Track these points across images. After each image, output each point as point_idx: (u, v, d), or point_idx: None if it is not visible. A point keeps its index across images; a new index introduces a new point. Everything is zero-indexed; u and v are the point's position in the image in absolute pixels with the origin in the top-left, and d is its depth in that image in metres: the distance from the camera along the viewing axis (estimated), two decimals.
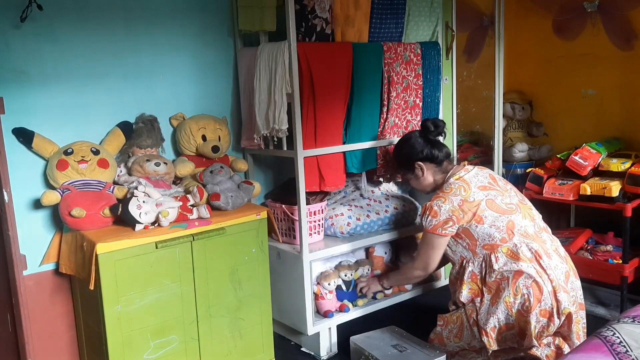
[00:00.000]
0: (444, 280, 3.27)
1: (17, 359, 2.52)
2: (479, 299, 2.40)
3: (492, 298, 2.34)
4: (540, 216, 2.53)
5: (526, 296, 2.27)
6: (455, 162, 2.69)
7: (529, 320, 2.25)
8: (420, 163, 2.61)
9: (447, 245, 2.49)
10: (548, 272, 2.29)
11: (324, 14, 2.68)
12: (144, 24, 2.64)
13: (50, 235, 2.47)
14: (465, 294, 2.43)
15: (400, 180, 3.20)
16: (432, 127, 2.62)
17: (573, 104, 3.65)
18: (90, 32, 2.50)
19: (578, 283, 2.41)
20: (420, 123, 3.03)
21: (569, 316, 2.28)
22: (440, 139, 2.71)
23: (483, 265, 2.40)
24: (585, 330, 2.37)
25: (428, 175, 2.63)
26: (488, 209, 2.38)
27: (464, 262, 2.47)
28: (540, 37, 3.74)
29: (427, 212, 2.45)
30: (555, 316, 2.27)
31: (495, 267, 2.34)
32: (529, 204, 2.54)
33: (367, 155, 2.90)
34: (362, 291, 2.88)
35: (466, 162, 2.65)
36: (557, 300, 2.27)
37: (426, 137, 2.63)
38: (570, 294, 2.32)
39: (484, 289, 2.39)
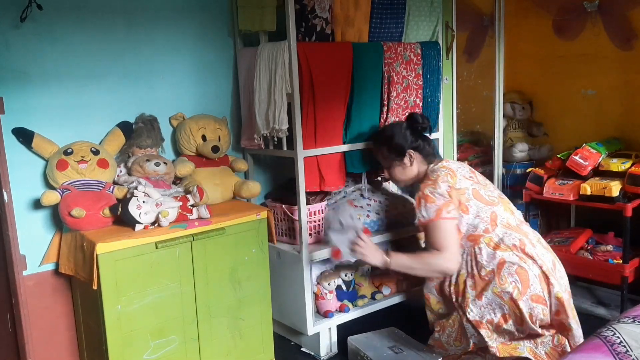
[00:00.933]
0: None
1: (17, 359, 2.52)
2: (460, 297, 2.36)
3: (478, 293, 2.30)
4: (520, 212, 2.52)
5: (514, 283, 2.23)
6: (437, 156, 2.67)
7: (520, 306, 2.22)
8: (412, 151, 2.57)
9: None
10: (535, 258, 2.27)
11: (324, 14, 2.68)
12: (144, 24, 2.64)
13: (50, 235, 2.47)
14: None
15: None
16: (420, 119, 2.63)
17: (573, 104, 3.66)
18: (90, 32, 2.50)
19: (564, 271, 2.39)
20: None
21: (561, 301, 2.25)
22: (426, 134, 2.68)
23: (468, 259, 2.36)
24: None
25: (415, 165, 2.59)
26: (473, 198, 2.36)
27: None
28: (540, 37, 3.74)
29: (424, 201, 2.36)
30: (547, 299, 2.24)
31: (480, 259, 2.30)
32: (507, 199, 2.53)
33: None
34: (357, 255, 2.46)
35: (447, 158, 2.68)
36: (548, 284, 2.25)
37: (414, 129, 2.62)
38: (560, 281, 2.30)
39: (467, 284, 2.33)
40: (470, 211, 2.35)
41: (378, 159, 2.78)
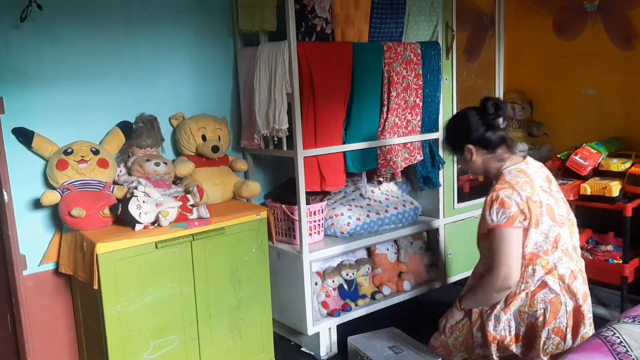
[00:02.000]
0: (444, 280, 3.27)
1: (17, 359, 2.51)
2: (488, 307, 2.24)
3: (506, 305, 2.19)
4: (578, 235, 2.31)
5: (542, 310, 2.11)
6: (511, 149, 2.34)
7: (539, 334, 2.12)
8: (470, 146, 2.27)
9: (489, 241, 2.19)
10: (577, 296, 2.15)
11: (324, 14, 2.67)
12: (144, 24, 2.64)
13: (50, 235, 2.47)
14: None
15: (399, 180, 3.20)
16: (491, 108, 2.25)
17: (573, 104, 3.65)
18: (90, 32, 2.50)
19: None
20: (420, 122, 3.01)
21: (585, 338, 2.13)
22: (500, 121, 2.35)
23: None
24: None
25: (477, 159, 2.30)
26: (546, 214, 2.14)
27: None
28: (540, 37, 3.74)
29: (496, 204, 2.12)
30: (569, 337, 2.14)
31: (529, 279, 2.14)
32: (574, 218, 2.29)
33: (367, 155, 2.89)
34: (444, 328, 2.38)
35: (526, 154, 2.36)
36: (579, 324, 2.14)
37: (483, 119, 2.27)
38: (587, 315, 2.20)
39: None
40: (540, 227, 2.12)
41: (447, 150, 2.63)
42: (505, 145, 2.29)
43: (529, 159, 2.28)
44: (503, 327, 2.21)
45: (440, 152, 3.16)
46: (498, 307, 2.21)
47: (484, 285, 2.20)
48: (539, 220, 2.12)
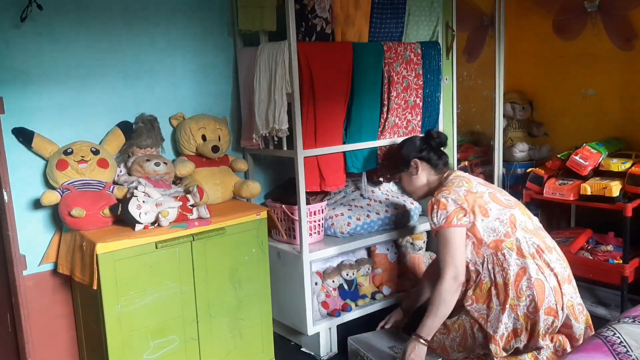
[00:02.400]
0: None
1: (17, 359, 2.51)
2: (485, 305, 2.30)
3: (502, 305, 2.25)
4: (537, 218, 2.49)
5: (530, 297, 2.21)
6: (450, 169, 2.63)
7: (537, 320, 2.19)
8: (416, 160, 2.57)
9: None
10: (552, 266, 2.25)
11: (324, 14, 2.67)
12: (144, 23, 2.64)
13: (50, 235, 2.47)
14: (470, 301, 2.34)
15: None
16: (435, 135, 2.63)
17: (573, 104, 3.65)
18: (90, 32, 2.49)
19: (574, 282, 2.38)
20: (420, 122, 3.03)
21: (571, 309, 2.25)
22: (442, 149, 2.66)
23: (491, 268, 2.30)
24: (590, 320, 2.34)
25: (422, 174, 2.58)
26: (491, 200, 2.33)
27: (472, 267, 2.36)
28: (540, 37, 3.74)
29: (435, 207, 2.32)
30: (560, 311, 2.22)
31: (505, 265, 2.25)
32: (523, 205, 2.50)
33: (367, 155, 2.89)
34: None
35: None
36: (561, 294, 2.23)
37: (427, 142, 2.62)
38: (572, 283, 2.30)
39: (492, 293, 2.28)
40: (491, 214, 2.29)
41: (389, 173, 2.87)
42: (447, 166, 2.59)
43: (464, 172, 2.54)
44: (503, 327, 2.23)
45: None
46: (494, 309, 2.23)
47: (438, 295, 2.26)
48: (486, 209, 2.29)
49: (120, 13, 2.57)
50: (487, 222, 2.29)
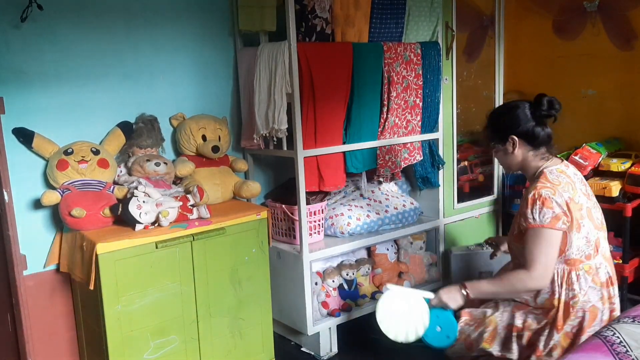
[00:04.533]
0: (444, 281, 3.27)
1: (17, 359, 2.51)
2: (550, 321, 2.08)
3: (560, 324, 2.05)
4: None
5: (580, 319, 2.03)
6: (553, 151, 2.24)
7: (575, 342, 2.01)
8: (515, 138, 2.17)
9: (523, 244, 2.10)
10: (613, 301, 2.08)
11: (324, 14, 2.67)
12: (144, 24, 2.64)
13: (51, 235, 2.47)
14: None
15: (399, 180, 3.20)
16: (545, 104, 2.17)
17: (573, 104, 3.65)
18: (90, 32, 2.50)
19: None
20: (420, 122, 3.02)
21: None
22: (549, 121, 2.25)
23: (561, 283, 2.07)
24: None
25: (518, 153, 2.20)
26: (587, 217, 2.07)
27: None
28: (540, 37, 3.73)
29: (539, 203, 2.03)
30: None
31: (576, 287, 2.04)
32: (605, 225, 2.23)
33: (367, 155, 2.89)
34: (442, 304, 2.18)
35: (564, 160, 2.26)
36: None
37: (534, 113, 2.18)
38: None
39: (561, 309, 2.07)
40: (582, 231, 2.05)
41: (484, 137, 2.41)
42: (549, 146, 2.21)
43: (568, 163, 2.21)
44: (552, 345, 2.07)
45: (440, 152, 3.16)
46: (559, 324, 2.07)
47: (512, 279, 2.09)
48: (580, 224, 2.05)
49: (121, 13, 2.57)
50: (577, 236, 2.06)
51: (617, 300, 2.10)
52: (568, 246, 2.05)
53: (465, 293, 2.13)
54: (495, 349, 2.14)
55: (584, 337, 2.02)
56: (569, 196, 2.04)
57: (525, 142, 2.18)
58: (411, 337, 2.14)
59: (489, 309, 2.20)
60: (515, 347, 2.09)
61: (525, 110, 2.19)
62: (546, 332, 2.07)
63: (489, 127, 2.30)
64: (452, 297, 2.14)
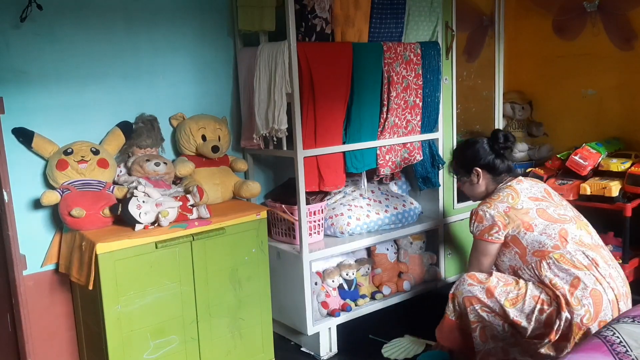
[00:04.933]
0: (443, 281, 3.27)
1: (17, 359, 2.52)
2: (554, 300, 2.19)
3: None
4: (598, 236, 2.40)
5: (586, 307, 2.11)
6: (514, 175, 2.55)
7: (589, 332, 2.08)
8: (478, 169, 2.52)
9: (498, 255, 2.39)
10: (608, 280, 2.15)
11: (324, 14, 2.67)
12: (144, 24, 2.64)
13: (50, 235, 2.47)
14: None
15: (399, 180, 3.20)
16: (501, 139, 2.51)
17: (573, 104, 3.66)
18: (90, 32, 2.50)
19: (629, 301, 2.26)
20: (420, 122, 3.03)
21: None
22: (507, 153, 2.57)
23: (536, 273, 2.24)
24: None
25: (482, 183, 2.54)
26: (538, 217, 2.29)
27: (515, 270, 2.33)
28: (540, 37, 3.74)
29: (474, 218, 2.40)
30: None
31: (545, 272, 2.19)
32: (586, 221, 2.43)
33: (366, 155, 2.89)
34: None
35: (522, 177, 2.53)
36: (618, 310, 2.13)
37: (492, 147, 2.53)
38: (628, 302, 2.20)
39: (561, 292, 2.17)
40: (536, 229, 2.27)
41: (453, 171, 2.84)
42: (511, 175, 2.52)
43: (522, 179, 2.47)
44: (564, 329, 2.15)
45: (440, 152, 3.16)
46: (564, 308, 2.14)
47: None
48: (531, 224, 2.28)
49: (121, 13, 2.57)
50: (532, 235, 2.27)
51: (612, 280, 2.18)
52: (525, 244, 2.28)
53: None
54: (513, 312, 2.22)
55: (595, 325, 2.08)
56: (507, 206, 2.33)
57: (487, 172, 2.52)
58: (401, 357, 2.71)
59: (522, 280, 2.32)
60: (534, 318, 2.18)
61: (484, 145, 2.54)
62: (563, 317, 2.13)
63: (455, 162, 2.69)
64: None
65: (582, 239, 2.27)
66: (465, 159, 2.59)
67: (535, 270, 2.24)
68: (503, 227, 2.31)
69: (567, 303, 2.12)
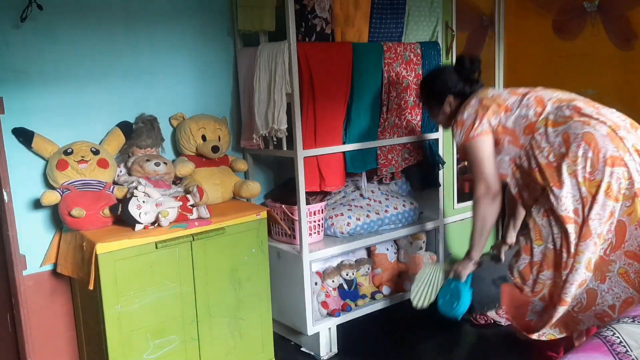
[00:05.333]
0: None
1: (17, 359, 2.52)
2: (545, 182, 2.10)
3: (556, 181, 2.05)
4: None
5: (584, 154, 2.01)
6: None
7: (601, 178, 1.97)
8: (450, 97, 2.41)
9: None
10: (596, 117, 2.06)
11: (324, 14, 2.68)
12: (144, 23, 2.64)
13: (50, 235, 2.47)
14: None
15: (399, 180, 3.20)
16: (467, 63, 2.41)
17: None
18: (90, 32, 2.50)
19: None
20: (420, 122, 3.03)
21: None
22: (476, 75, 2.47)
23: (532, 153, 2.15)
24: None
25: (455, 109, 2.41)
26: (511, 95, 2.25)
27: (517, 164, 2.22)
28: (540, 37, 3.74)
29: (454, 128, 2.31)
30: (627, 157, 1.98)
31: (545, 144, 2.10)
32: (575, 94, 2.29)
33: (367, 155, 2.89)
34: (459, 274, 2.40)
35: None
36: (619, 138, 2.01)
37: (460, 73, 2.42)
38: (638, 132, 2.09)
39: (547, 173, 2.09)
40: (514, 107, 2.21)
41: (422, 104, 2.73)
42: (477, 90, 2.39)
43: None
44: (570, 200, 2.06)
45: (440, 152, 3.16)
46: (550, 183, 2.08)
47: (476, 214, 2.32)
48: (506, 105, 2.23)
49: (121, 13, 2.57)
50: (512, 114, 2.21)
51: (609, 115, 2.11)
52: (512, 125, 2.21)
53: (471, 259, 2.36)
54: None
55: (600, 165, 1.98)
56: (477, 100, 2.27)
57: (460, 99, 2.40)
58: (425, 304, 2.50)
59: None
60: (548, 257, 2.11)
61: (452, 73, 2.44)
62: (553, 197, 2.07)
63: (424, 95, 2.57)
64: (463, 265, 2.38)
65: (560, 97, 2.20)
66: (435, 90, 2.47)
67: (530, 150, 2.16)
68: (482, 117, 2.23)
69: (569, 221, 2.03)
